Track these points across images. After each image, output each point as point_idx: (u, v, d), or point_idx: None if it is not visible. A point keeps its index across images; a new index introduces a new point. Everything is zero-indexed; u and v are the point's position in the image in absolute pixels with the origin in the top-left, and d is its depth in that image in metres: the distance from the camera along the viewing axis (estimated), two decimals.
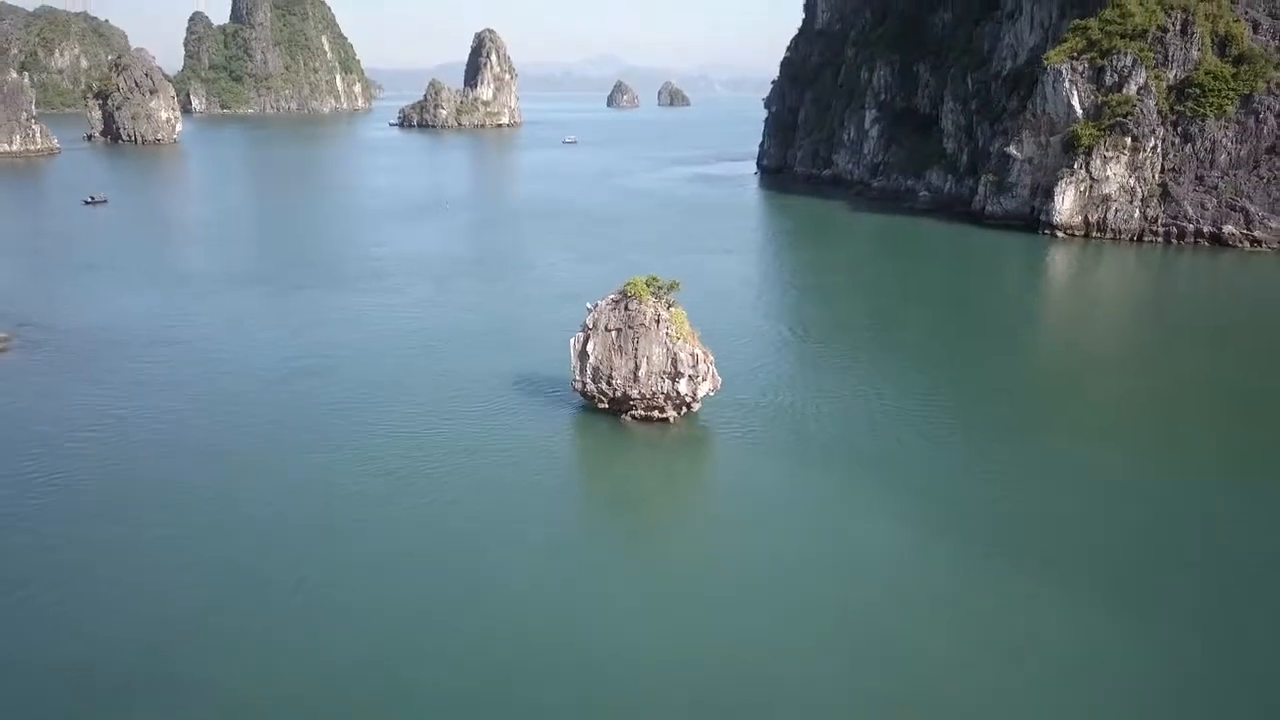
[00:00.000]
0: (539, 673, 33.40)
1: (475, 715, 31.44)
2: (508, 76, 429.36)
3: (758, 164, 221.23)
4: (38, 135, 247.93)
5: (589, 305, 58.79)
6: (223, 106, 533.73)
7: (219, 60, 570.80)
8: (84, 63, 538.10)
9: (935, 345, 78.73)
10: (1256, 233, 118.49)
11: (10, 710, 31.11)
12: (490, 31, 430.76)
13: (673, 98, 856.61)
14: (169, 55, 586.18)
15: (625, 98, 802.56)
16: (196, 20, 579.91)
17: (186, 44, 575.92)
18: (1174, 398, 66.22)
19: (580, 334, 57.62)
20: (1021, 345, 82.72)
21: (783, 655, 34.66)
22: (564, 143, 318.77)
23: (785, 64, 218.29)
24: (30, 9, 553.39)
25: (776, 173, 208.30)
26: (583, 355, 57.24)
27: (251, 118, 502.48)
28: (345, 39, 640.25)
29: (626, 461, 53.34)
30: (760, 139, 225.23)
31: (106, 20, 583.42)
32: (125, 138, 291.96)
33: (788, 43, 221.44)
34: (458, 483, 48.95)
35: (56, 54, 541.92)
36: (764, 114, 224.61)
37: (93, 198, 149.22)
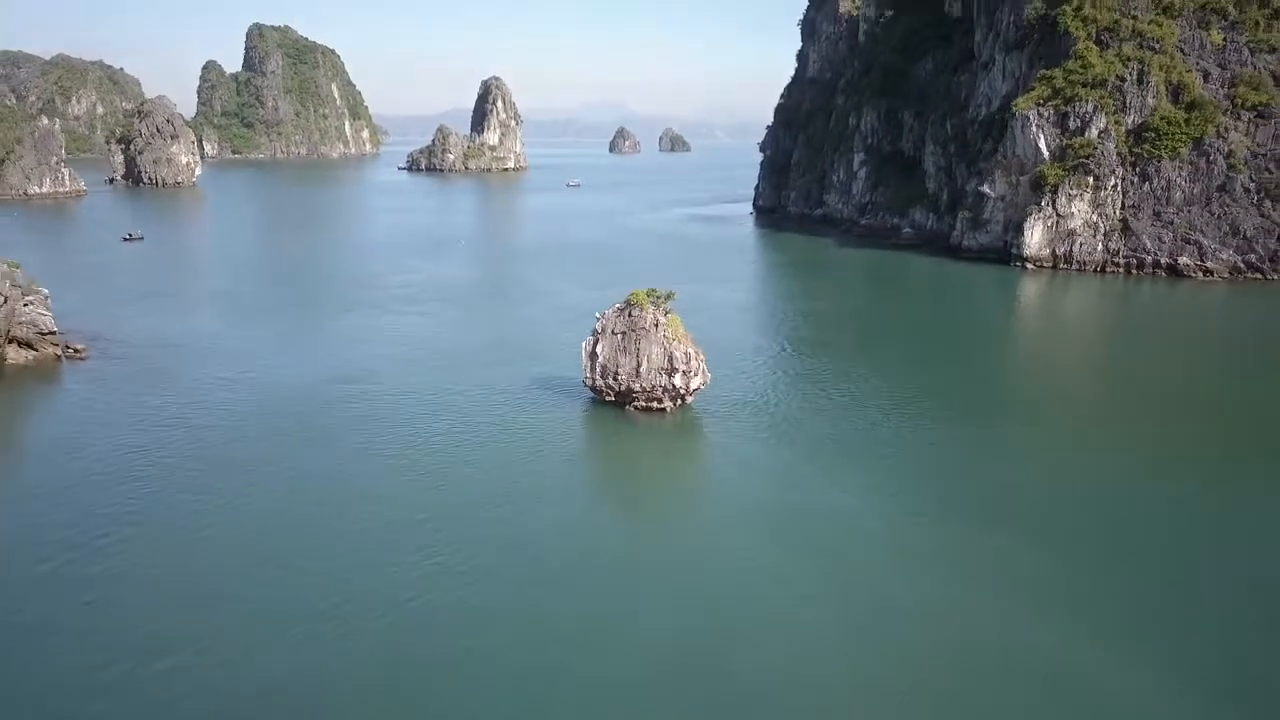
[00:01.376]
0: (561, 611, 43.05)
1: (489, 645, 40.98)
2: (513, 123, 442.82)
3: (753, 204, 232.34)
4: (66, 178, 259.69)
5: (598, 314, 68.81)
6: (234, 151, 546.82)
7: (231, 107, 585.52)
8: (100, 109, 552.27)
9: (908, 357, 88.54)
10: (1209, 264, 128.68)
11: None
12: (497, 79, 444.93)
13: (673, 143, 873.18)
14: (182, 102, 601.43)
15: (627, 143, 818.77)
16: (210, 69, 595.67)
17: (200, 91, 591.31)
18: (1128, 403, 75.62)
19: (590, 337, 67.62)
20: (989, 359, 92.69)
21: (761, 598, 44.29)
22: (568, 186, 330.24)
23: (779, 110, 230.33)
24: (47, 58, 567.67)
25: (771, 212, 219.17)
26: (593, 355, 67.18)
27: (262, 162, 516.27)
28: (354, 86, 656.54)
29: (630, 443, 63.10)
30: (756, 181, 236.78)
31: (121, 69, 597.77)
32: (146, 181, 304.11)
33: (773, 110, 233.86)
34: (493, 457, 58.65)
35: (74, 101, 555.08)
36: (760, 158, 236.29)
37: (130, 235, 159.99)
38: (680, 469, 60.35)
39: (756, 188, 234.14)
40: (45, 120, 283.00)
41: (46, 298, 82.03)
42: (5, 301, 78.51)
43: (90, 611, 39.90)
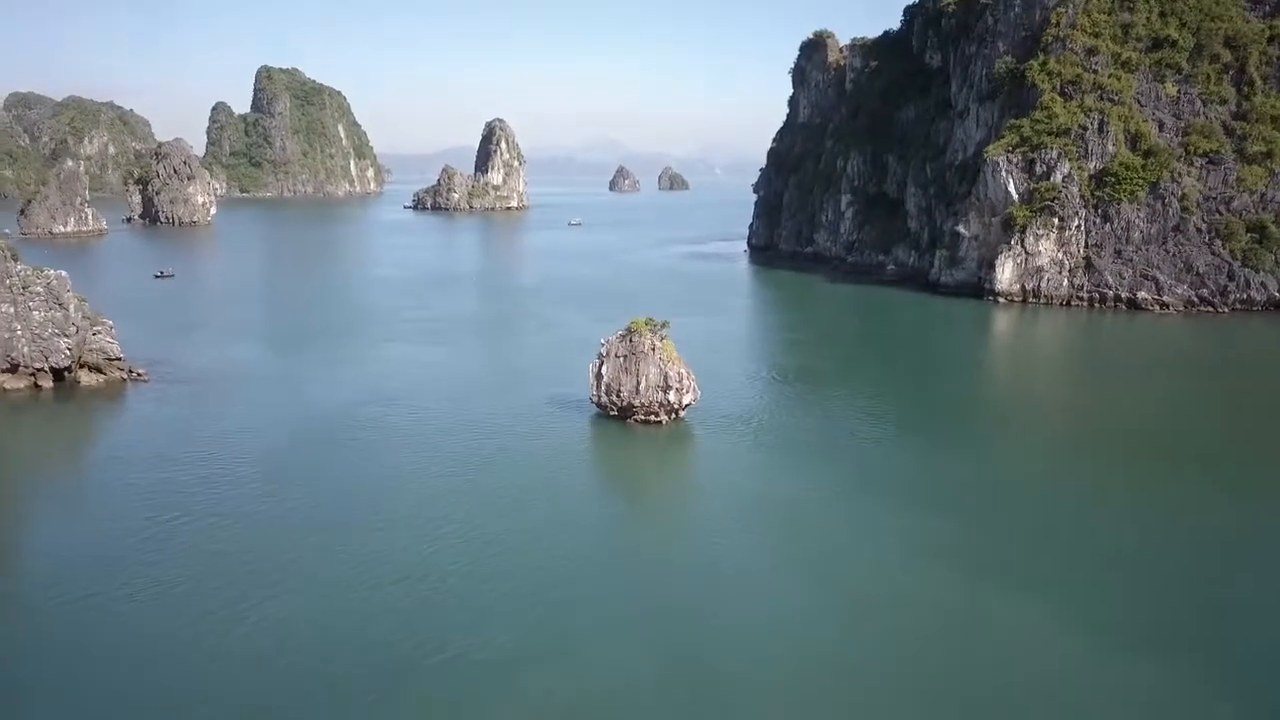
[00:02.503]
0: (569, 593, 53.10)
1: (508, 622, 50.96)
2: (516, 163, 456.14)
3: (748, 242, 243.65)
4: (89, 218, 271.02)
5: (602, 339, 79.13)
6: (242, 190, 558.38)
7: (239, 147, 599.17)
8: (112, 149, 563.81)
9: (885, 380, 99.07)
10: (1165, 298, 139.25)
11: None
12: (500, 121, 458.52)
13: (672, 182, 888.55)
14: (191, 141, 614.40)
15: (626, 182, 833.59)
16: (219, 110, 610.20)
17: (209, 132, 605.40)
18: (1088, 422, 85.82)
19: (596, 360, 77.87)
20: (959, 381, 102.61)
21: (737, 573, 54.38)
22: (570, 224, 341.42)
23: (771, 153, 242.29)
24: (58, 99, 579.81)
25: (765, 250, 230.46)
26: (598, 376, 77.39)
27: (270, 201, 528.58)
28: (359, 127, 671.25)
29: (631, 450, 73.19)
30: (750, 220, 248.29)
31: (132, 110, 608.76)
32: (164, 220, 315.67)
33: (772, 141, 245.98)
34: (512, 463, 68.67)
35: (86, 141, 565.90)
36: (754, 198, 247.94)
37: (162, 272, 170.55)
38: (673, 471, 70.48)
39: (751, 226, 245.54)
40: (70, 163, 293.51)
41: (111, 327, 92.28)
42: (79, 331, 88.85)
43: (166, 593, 49.87)
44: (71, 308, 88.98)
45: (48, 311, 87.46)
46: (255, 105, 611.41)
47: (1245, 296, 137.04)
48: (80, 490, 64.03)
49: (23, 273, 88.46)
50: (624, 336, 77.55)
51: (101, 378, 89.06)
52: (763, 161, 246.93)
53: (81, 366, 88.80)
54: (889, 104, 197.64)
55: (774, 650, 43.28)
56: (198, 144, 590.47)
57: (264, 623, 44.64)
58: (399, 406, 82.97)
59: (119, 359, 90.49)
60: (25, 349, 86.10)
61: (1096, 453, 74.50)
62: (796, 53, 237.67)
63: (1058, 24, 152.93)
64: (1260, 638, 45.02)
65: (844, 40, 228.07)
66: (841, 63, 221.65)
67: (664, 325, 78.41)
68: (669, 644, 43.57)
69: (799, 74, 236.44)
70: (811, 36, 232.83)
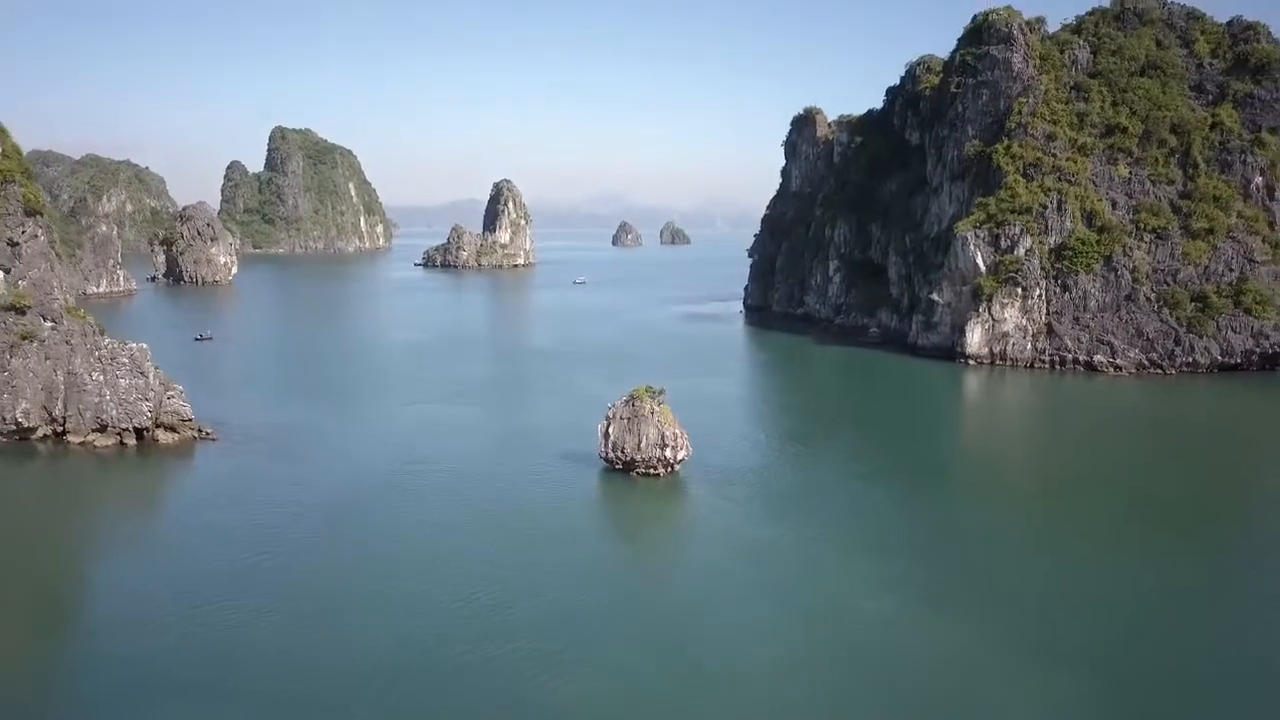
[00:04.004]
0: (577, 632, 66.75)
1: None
2: (523, 221, 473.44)
3: (743, 303, 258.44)
4: (121, 279, 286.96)
5: (609, 404, 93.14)
6: (255, 246, 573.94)
7: (253, 204, 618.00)
8: (129, 207, 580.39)
9: (863, 439, 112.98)
10: (1119, 361, 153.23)
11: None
12: (508, 182, 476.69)
13: (674, 236, 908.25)
14: (203, 198, 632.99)
15: (629, 237, 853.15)
16: (234, 169, 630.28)
17: (224, 189, 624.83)
18: (1048, 475, 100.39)
19: (604, 421, 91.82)
20: (933, 440, 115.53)
21: (723, 605, 68.04)
22: (575, 283, 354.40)
23: (765, 219, 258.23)
24: (76, 157, 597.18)
25: (759, 310, 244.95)
26: (606, 435, 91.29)
27: (282, 257, 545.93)
28: (369, 184, 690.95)
29: (634, 499, 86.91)
30: (746, 281, 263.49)
31: (147, 167, 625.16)
32: (187, 279, 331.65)
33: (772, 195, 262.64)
34: (530, 509, 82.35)
35: (105, 199, 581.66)
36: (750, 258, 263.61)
37: (201, 335, 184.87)
38: (669, 515, 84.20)
39: (746, 288, 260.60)
40: (104, 227, 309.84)
41: (182, 392, 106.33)
42: (156, 395, 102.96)
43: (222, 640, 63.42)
44: (150, 375, 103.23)
45: (132, 379, 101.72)
46: (269, 164, 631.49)
47: (1191, 360, 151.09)
48: (165, 532, 77.52)
49: (110, 345, 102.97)
50: (628, 401, 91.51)
51: (176, 436, 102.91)
52: (761, 214, 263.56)
53: (159, 426, 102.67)
54: (873, 177, 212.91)
55: (756, 669, 56.79)
56: (210, 198, 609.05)
57: (321, 639, 58.11)
58: (432, 463, 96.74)
59: (190, 420, 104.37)
60: (113, 412, 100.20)
61: (1053, 503, 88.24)
62: (789, 127, 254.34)
63: (1020, 112, 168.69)
64: (1174, 662, 56.97)
65: (831, 115, 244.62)
66: (830, 137, 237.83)
67: (660, 392, 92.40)
68: (660, 648, 57.04)
69: (790, 147, 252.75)
70: (802, 112, 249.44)
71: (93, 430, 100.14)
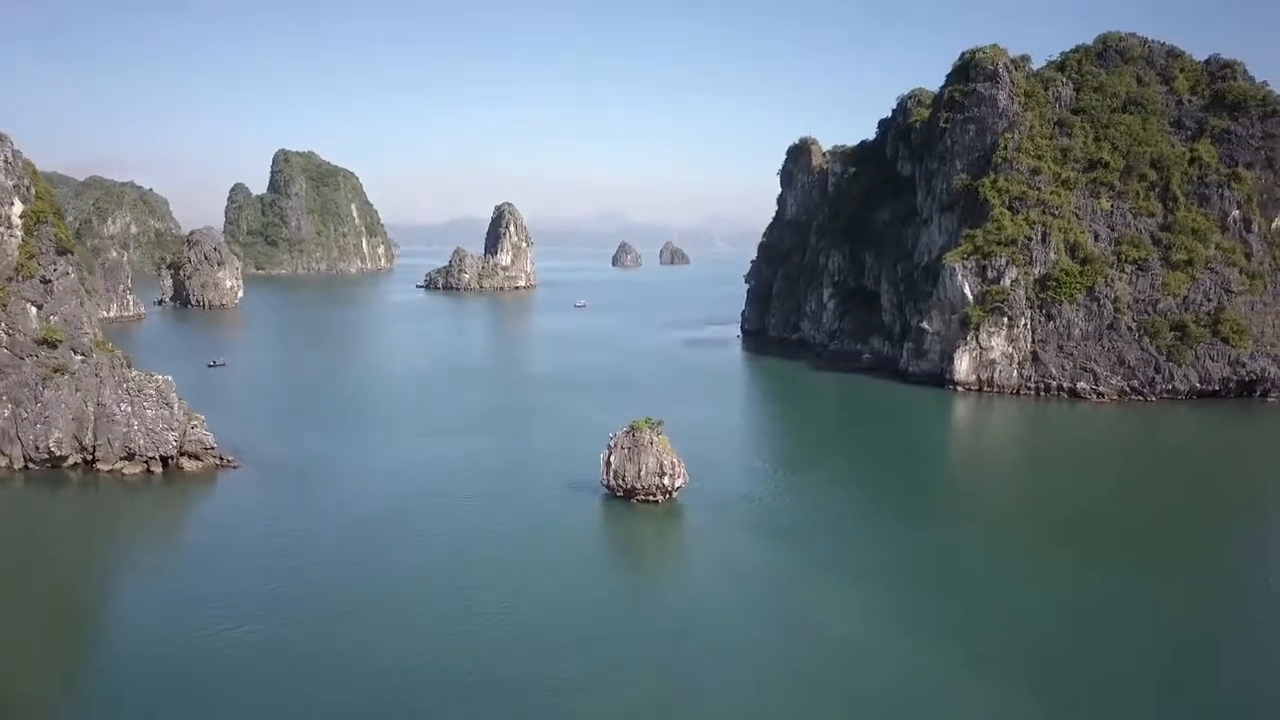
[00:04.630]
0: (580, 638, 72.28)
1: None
2: (524, 244, 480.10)
3: (741, 327, 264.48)
4: (130, 303, 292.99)
5: (611, 434, 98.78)
6: (258, 267, 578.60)
7: (256, 226, 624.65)
8: (134, 229, 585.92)
9: (853, 465, 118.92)
10: (1102, 388, 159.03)
11: None
12: (509, 205, 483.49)
13: (673, 257, 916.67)
14: (205, 219, 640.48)
15: (629, 257, 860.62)
16: (237, 191, 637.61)
17: (228, 211, 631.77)
18: (1031, 499, 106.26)
19: (606, 451, 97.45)
20: (921, 466, 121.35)
21: (719, 622, 73.57)
22: (575, 306, 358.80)
23: (762, 246, 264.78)
24: (80, 179, 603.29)
25: (756, 335, 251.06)
26: (608, 464, 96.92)
27: (285, 278, 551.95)
28: (371, 206, 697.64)
29: (635, 523, 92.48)
30: (743, 304, 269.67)
31: (151, 189, 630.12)
32: (194, 303, 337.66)
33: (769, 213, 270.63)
34: (537, 533, 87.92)
35: (110, 222, 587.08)
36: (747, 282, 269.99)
37: (214, 362, 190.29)
38: (666, 540, 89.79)
39: (743, 313, 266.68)
40: (115, 253, 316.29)
41: (204, 421, 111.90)
42: (180, 425, 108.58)
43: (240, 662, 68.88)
44: (175, 406, 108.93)
45: (158, 410, 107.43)
46: (272, 186, 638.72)
47: (1170, 387, 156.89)
48: (192, 556, 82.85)
49: (137, 377, 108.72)
50: (628, 432, 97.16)
51: (199, 464, 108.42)
52: (761, 233, 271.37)
53: (183, 455, 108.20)
54: (866, 206, 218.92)
55: (741, 684, 62.28)
56: (213, 217, 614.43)
57: (338, 658, 63.64)
58: (442, 491, 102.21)
59: (213, 448, 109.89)
60: (141, 441, 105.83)
61: (1034, 529, 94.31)
62: (784, 156, 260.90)
63: (1005, 147, 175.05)
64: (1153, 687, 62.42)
65: (826, 145, 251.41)
66: (824, 167, 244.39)
67: (660, 423, 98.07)
68: (653, 665, 62.51)
69: (786, 175, 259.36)
70: (797, 142, 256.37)
71: (121, 459, 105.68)
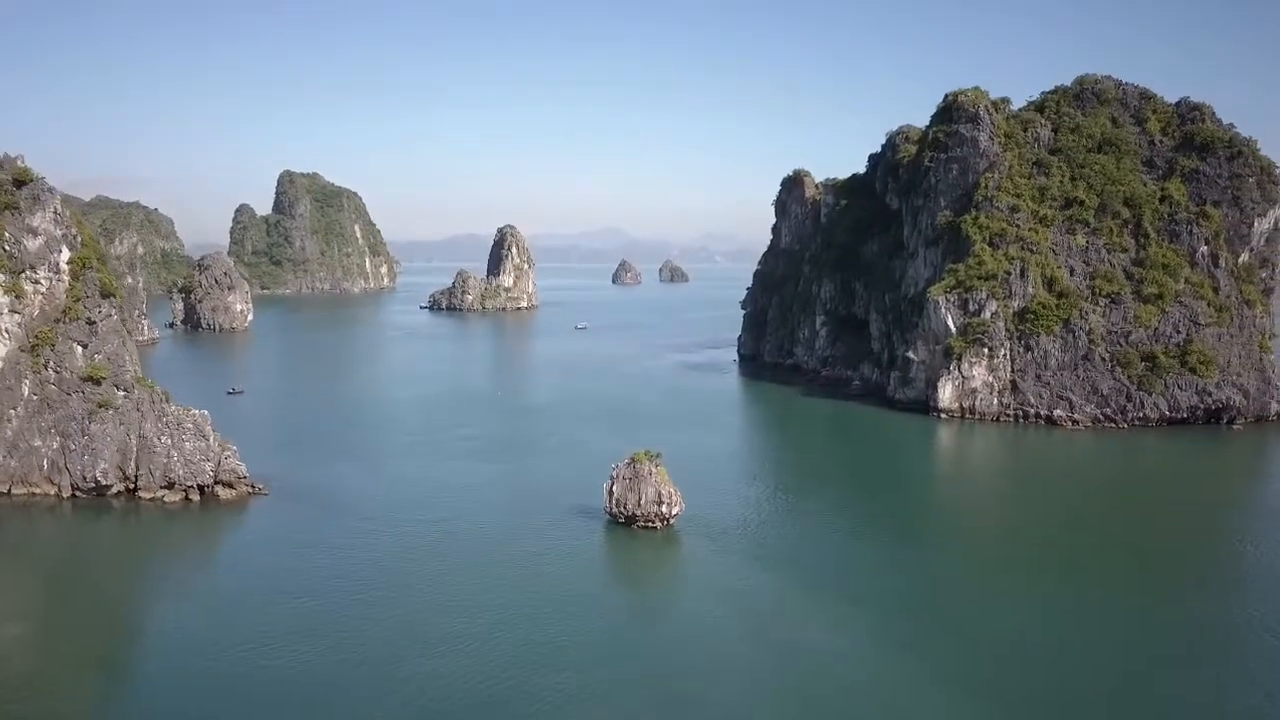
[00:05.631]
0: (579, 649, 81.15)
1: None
2: (526, 265, 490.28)
3: (737, 351, 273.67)
4: (145, 328, 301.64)
5: (613, 465, 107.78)
6: (262, 287, 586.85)
7: (261, 246, 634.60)
8: (140, 249, 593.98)
9: (842, 491, 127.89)
10: (1077, 416, 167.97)
11: None
12: (511, 227, 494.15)
13: (673, 274, 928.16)
14: (211, 238, 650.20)
15: (629, 275, 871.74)
16: (242, 211, 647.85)
17: (233, 231, 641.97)
18: (1010, 521, 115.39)
19: (609, 480, 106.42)
20: (906, 490, 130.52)
21: (712, 639, 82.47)
22: (576, 328, 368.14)
23: (757, 274, 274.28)
24: (86, 199, 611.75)
25: (751, 359, 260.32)
26: (610, 492, 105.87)
27: (289, 298, 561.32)
28: (374, 225, 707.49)
29: (635, 549, 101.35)
30: (739, 327, 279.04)
31: (156, 209, 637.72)
32: (205, 326, 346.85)
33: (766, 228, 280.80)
34: (544, 557, 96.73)
35: (117, 242, 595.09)
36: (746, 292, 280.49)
37: (233, 389, 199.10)
38: (663, 564, 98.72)
39: (739, 338, 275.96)
40: (130, 279, 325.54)
41: (236, 452, 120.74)
42: (215, 456, 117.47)
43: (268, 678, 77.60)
44: (211, 438, 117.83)
45: (195, 441, 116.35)
46: (277, 207, 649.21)
47: (1141, 415, 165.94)
48: (228, 579, 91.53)
49: (175, 412, 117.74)
50: (629, 463, 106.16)
51: (233, 492, 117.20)
52: (759, 249, 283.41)
53: (218, 483, 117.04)
54: (857, 238, 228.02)
55: (728, 697, 71.04)
56: (217, 236, 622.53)
57: (361, 674, 72.42)
58: (455, 519, 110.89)
59: (245, 477, 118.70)
60: (180, 471, 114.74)
61: (1012, 551, 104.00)
62: (779, 187, 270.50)
63: (987, 186, 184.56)
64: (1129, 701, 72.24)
65: (819, 176, 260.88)
66: (817, 198, 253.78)
67: (658, 455, 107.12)
68: (648, 679, 71.24)
69: (780, 206, 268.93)
70: (791, 174, 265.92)
71: (162, 487, 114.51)
